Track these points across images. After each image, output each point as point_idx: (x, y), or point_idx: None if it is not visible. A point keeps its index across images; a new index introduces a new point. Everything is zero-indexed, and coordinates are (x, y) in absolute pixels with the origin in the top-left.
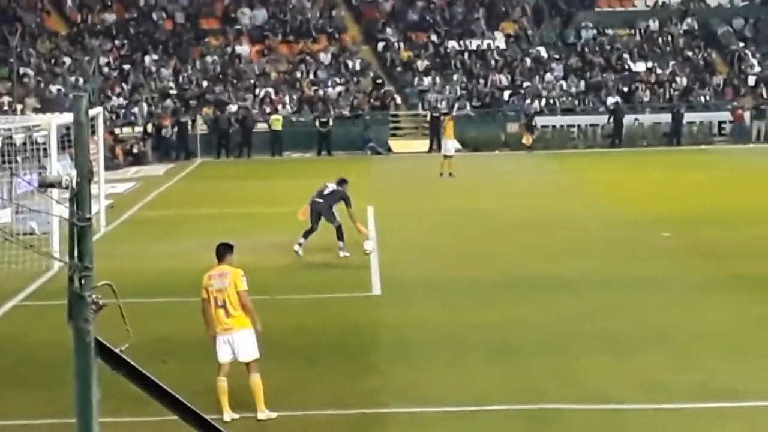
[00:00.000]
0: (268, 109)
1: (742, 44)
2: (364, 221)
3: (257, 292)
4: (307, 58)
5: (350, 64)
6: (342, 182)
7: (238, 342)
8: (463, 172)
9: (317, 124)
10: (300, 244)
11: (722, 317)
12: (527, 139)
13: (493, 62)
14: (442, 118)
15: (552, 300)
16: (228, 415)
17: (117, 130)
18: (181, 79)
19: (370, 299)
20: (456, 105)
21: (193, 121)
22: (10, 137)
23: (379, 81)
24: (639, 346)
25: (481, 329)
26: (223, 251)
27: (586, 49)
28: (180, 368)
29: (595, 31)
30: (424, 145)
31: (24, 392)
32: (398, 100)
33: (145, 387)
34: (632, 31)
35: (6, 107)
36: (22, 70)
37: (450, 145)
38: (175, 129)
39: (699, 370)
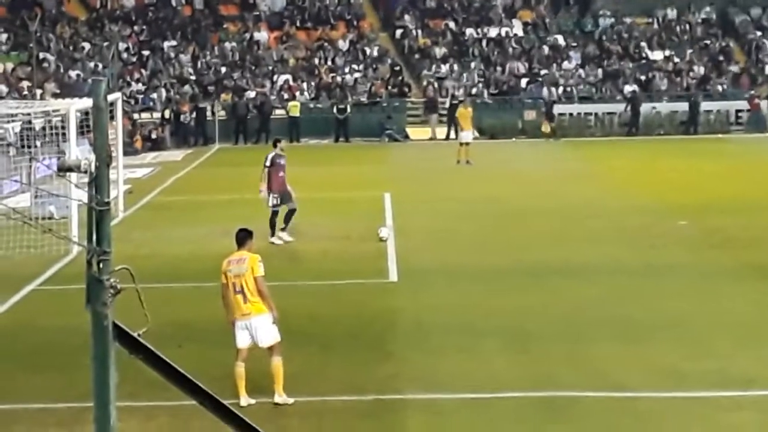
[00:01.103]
0: (285, 96)
1: (759, 33)
2: (381, 208)
3: (273, 278)
4: (325, 44)
5: (368, 51)
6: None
7: (257, 327)
8: (480, 159)
9: (335, 110)
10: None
11: (738, 305)
12: (546, 127)
13: (510, 50)
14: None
15: (567, 287)
16: (245, 400)
17: (136, 116)
18: (199, 65)
19: (386, 286)
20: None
21: (212, 107)
22: (30, 122)
23: (397, 68)
24: (654, 334)
25: (497, 316)
26: (243, 237)
27: (604, 37)
28: (197, 353)
29: (612, 20)
30: (441, 132)
31: (42, 376)
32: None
33: (162, 371)
34: (650, 20)
35: (26, 92)
36: (41, 55)
37: (467, 132)
38: (194, 115)
39: (714, 358)
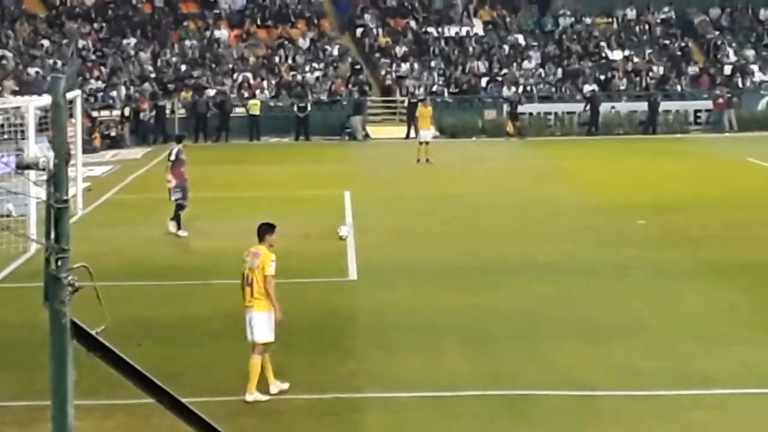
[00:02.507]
0: (246, 94)
1: (718, 33)
2: (341, 206)
3: (233, 277)
4: (286, 43)
5: (328, 49)
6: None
7: (254, 322)
8: (440, 158)
9: (295, 109)
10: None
11: (695, 304)
12: (510, 127)
13: (471, 49)
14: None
15: (526, 285)
16: (274, 387)
17: (95, 113)
18: (159, 62)
19: (346, 284)
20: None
21: (172, 105)
22: None
23: (357, 66)
24: (612, 333)
25: (456, 314)
26: (263, 231)
27: (564, 37)
28: (155, 351)
29: (572, 19)
30: (401, 131)
31: (0, 374)
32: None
33: (120, 369)
34: (610, 20)
35: None
36: (0, 52)
37: (427, 131)
38: (153, 113)
39: (672, 357)
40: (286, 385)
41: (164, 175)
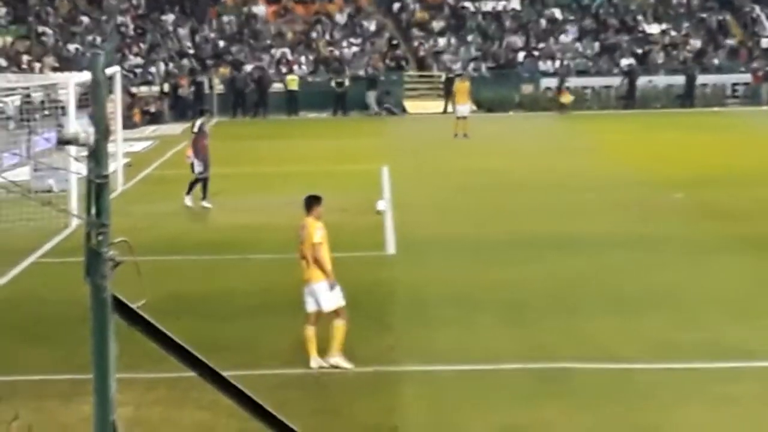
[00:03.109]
0: (284, 69)
1: (756, 7)
2: (379, 181)
3: (271, 251)
4: (323, 18)
5: (366, 24)
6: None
7: (318, 293)
8: (477, 133)
9: (333, 84)
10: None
11: (732, 278)
12: (566, 98)
13: (508, 23)
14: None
15: (563, 260)
16: (314, 361)
17: (134, 90)
18: (198, 38)
19: (384, 259)
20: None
21: (210, 81)
22: (29, 96)
23: (395, 42)
24: (648, 306)
25: (493, 288)
26: (310, 203)
27: (601, 11)
28: (195, 325)
29: None
30: (438, 106)
31: (42, 348)
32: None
33: (161, 343)
34: None
35: (25, 66)
36: (40, 29)
37: (464, 106)
38: (192, 88)
39: (708, 330)
40: (349, 365)
41: (185, 149)
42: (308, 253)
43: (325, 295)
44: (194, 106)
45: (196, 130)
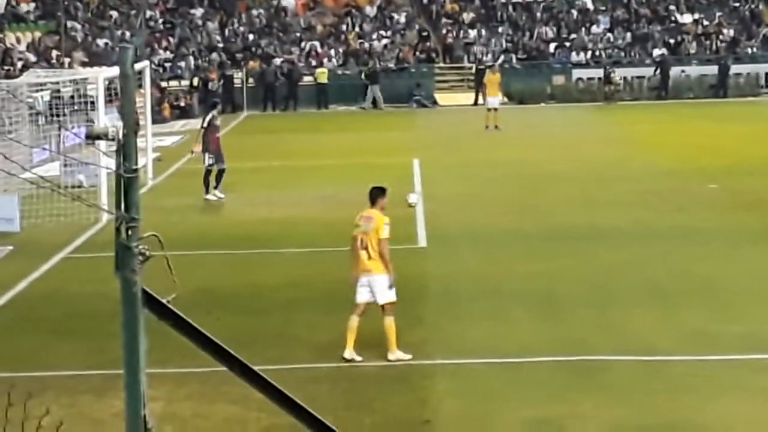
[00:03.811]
0: (313, 62)
1: None
2: (410, 174)
3: (302, 245)
4: (353, 11)
5: (395, 16)
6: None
7: (376, 285)
8: (509, 124)
9: (363, 76)
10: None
11: (766, 268)
12: (609, 90)
13: (539, 14)
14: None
15: (596, 251)
16: (349, 353)
17: (164, 84)
18: (227, 32)
19: (415, 251)
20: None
21: (240, 75)
22: (58, 91)
23: (425, 34)
24: (683, 297)
25: (525, 281)
26: (375, 194)
27: (633, 1)
28: (225, 319)
29: None
30: (469, 98)
31: (73, 343)
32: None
33: (191, 337)
34: None
35: (54, 61)
36: (69, 24)
37: (495, 98)
38: (222, 82)
39: (743, 322)
40: (408, 356)
41: (194, 143)
42: (372, 245)
43: (383, 288)
44: (224, 100)
45: (205, 124)
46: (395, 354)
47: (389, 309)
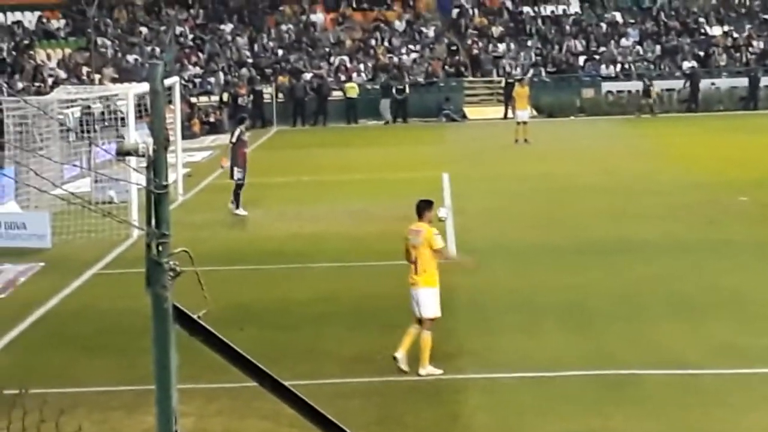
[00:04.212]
0: (342, 77)
1: None
2: (440, 188)
3: (332, 260)
4: (382, 25)
5: (424, 31)
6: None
7: (421, 298)
8: (538, 138)
9: (394, 91)
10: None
11: None
12: (653, 97)
13: (567, 27)
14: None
15: (626, 264)
16: (400, 353)
17: (194, 99)
18: (256, 47)
19: (445, 265)
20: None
21: (276, 88)
22: (89, 107)
23: (454, 48)
24: (713, 310)
25: (555, 294)
26: (422, 208)
27: (662, 14)
28: (257, 335)
29: None
30: (499, 111)
31: (104, 359)
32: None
33: (222, 353)
34: None
35: (84, 77)
36: (99, 41)
37: (524, 111)
38: (251, 97)
39: None
40: (439, 371)
41: (222, 157)
42: (422, 258)
43: (428, 302)
44: (254, 115)
45: (234, 139)
46: (426, 369)
47: (428, 324)
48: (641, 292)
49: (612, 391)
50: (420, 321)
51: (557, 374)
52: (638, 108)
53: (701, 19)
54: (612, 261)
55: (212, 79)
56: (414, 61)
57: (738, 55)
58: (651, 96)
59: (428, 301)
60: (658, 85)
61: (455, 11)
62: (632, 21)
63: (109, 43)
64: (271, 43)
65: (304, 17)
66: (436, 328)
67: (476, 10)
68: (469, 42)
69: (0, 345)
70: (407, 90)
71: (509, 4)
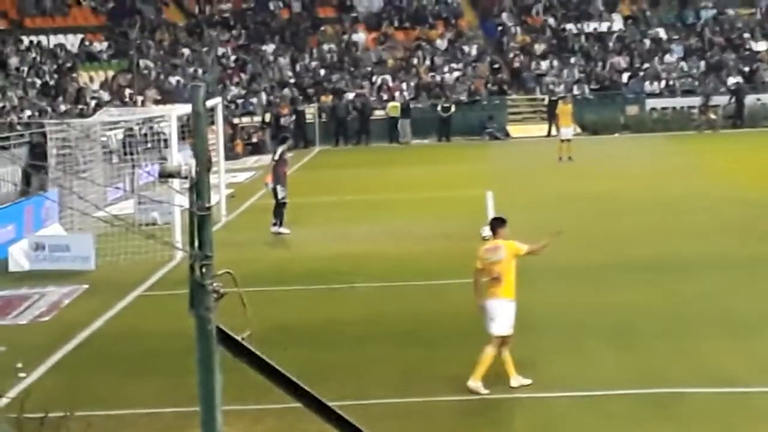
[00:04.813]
0: (385, 96)
1: None
2: (483, 207)
3: (376, 279)
4: (424, 44)
5: (467, 49)
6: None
7: (497, 313)
8: (582, 156)
9: (439, 109)
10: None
11: None
12: (713, 114)
13: (611, 44)
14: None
15: (673, 282)
16: (513, 381)
17: (236, 120)
18: (298, 67)
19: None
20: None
21: (318, 108)
22: (132, 129)
23: (497, 66)
24: (764, 328)
25: (601, 313)
26: (496, 226)
27: (706, 29)
28: (301, 355)
29: (714, 11)
30: (542, 129)
31: (149, 381)
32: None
33: (267, 374)
34: (753, 10)
35: (127, 99)
36: (141, 63)
37: (568, 129)
38: (293, 118)
39: None
40: (528, 381)
41: (265, 176)
42: (504, 274)
43: (502, 319)
44: (296, 135)
45: (276, 157)
46: (476, 384)
47: (497, 341)
48: (690, 310)
49: (660, 409)
50: (505, 336)
51: (605, 393)
52: (700, 124)
53: (746, 35)
54: (660, 279)
55: (254, 100)
56: (457, 79)
57: None
58: (709, 112)
59: (503, 318)
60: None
61: (498, 29)
62: (676, 37)
63: (151, 64)
64: (313, 63)
65: (345, 37)
66: (479, 347)
67: (518, 28)
68: (515, 63)
69: (44, 368)
70: (452, 108)
71: (552, 22)
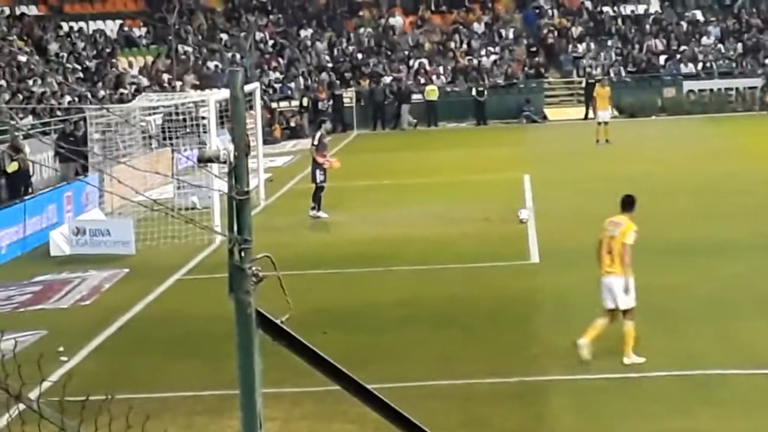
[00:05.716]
0: (422, 80)
1: None
2: (521, 190)
3: (413, 263)
4: (461, 27)
5: (504, 32)
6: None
7: (615, 289)
8: (619, 138)
9: (474, 93)
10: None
11: None
12: None
13: (648, 27)
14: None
15: (712, 264)
16: (583, 341)
17: (274, 105)
18: (336, 52)
19: (527, 267)
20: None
21: (356, 92)
22: (171, 114)
23: (534, 49)
24: None
25: (642, 295)
26: (626, 202)
27: (743, 11)
28: (341, 339)
29: None
30: (579, 112)
31: (189, 364)
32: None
33: (306, 357)
34: None
35: (166, 84)
36: (180, 48)
37: (605, 112)
38: (331, 102)
39: None
40: (641, 359)
41: (315, 158)
42: (615, 249)
43: (622, 293)
44: (334, 119)
45: (316, 142)
46: (630, 358)
47: (629, 314)
48: (728, 292)
49: (699, 391)
50: (612, 312)
51: (643, 375)
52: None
53: None
54: (698, 261)
55: (292, 84)
56: (494, 62)
57: None
58: None
59: (622, 292)
60: (740, 83)
61: (534, 11)
62: (713, 19)
63: (189, 50)
64: (350, 48)
65: (382, 21)
66: (519, 329)
67: (555, 11)
68: (553, 46)
69: (86, 351)
70: (486, 92)
71: (588, 4)
